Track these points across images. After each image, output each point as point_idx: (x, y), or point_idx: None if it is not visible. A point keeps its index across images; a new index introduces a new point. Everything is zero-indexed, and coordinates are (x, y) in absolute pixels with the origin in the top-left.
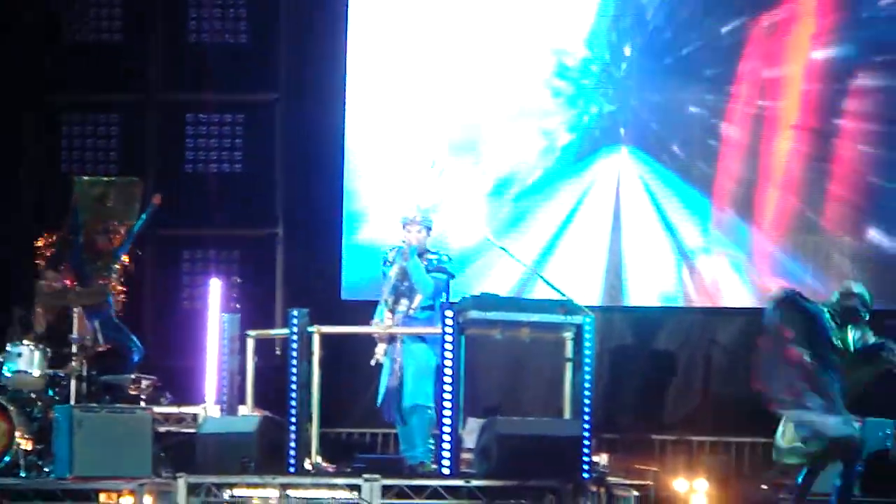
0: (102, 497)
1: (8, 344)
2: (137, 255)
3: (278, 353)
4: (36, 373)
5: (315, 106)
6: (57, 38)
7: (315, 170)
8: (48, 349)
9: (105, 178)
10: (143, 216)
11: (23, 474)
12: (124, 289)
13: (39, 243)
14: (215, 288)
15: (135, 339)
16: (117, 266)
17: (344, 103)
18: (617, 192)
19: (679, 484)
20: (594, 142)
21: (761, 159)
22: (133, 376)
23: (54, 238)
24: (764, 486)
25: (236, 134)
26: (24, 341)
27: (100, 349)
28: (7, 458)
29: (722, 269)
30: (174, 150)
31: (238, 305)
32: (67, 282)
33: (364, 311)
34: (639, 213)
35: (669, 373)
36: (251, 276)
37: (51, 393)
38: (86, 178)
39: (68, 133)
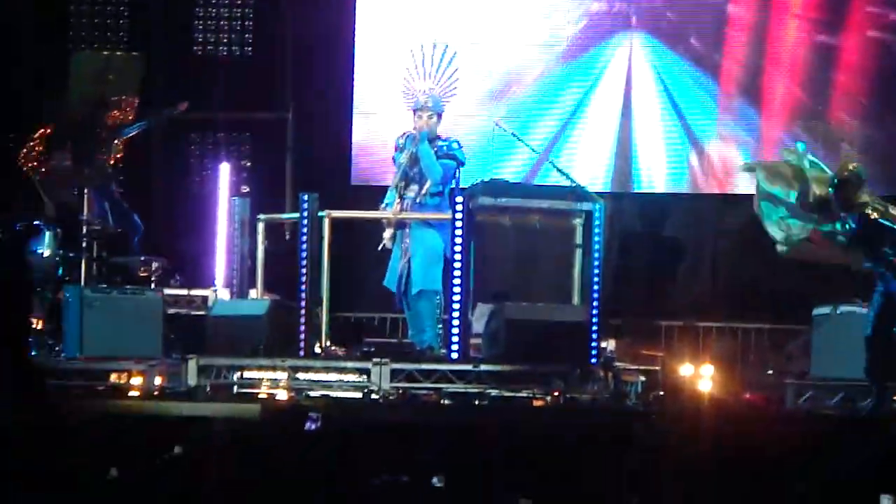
0: (113, 377)
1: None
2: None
3: (287, 237)
4: (46, 253)
5: None
6: None
7: (325, 54)
8: (59, 229)
9: (105, 53)
10: (164, 114)
11: (34, 353)
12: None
13: (34, 139)
14: (224, 171)
15: (136, 218)
16: (118, 143)
17: None
18: (628, 79)
19: (685, 369)
20: (605, 30)
21: (768, 45)
22: (142, 258)
23: (48, 130)
24: (769, 371)
25: (246, 16)
26: (36, 221)
27: (110, 231)
28: None
29: (731, 154)
30: (183, 31)
31: (247, 189)
32: (68, 162)
33: (373, 196)
34: (649, 100)
35: (677, 259)
36: (260, 159)
37: (61, 273)
38: (84, 52)
39: (77, 11)
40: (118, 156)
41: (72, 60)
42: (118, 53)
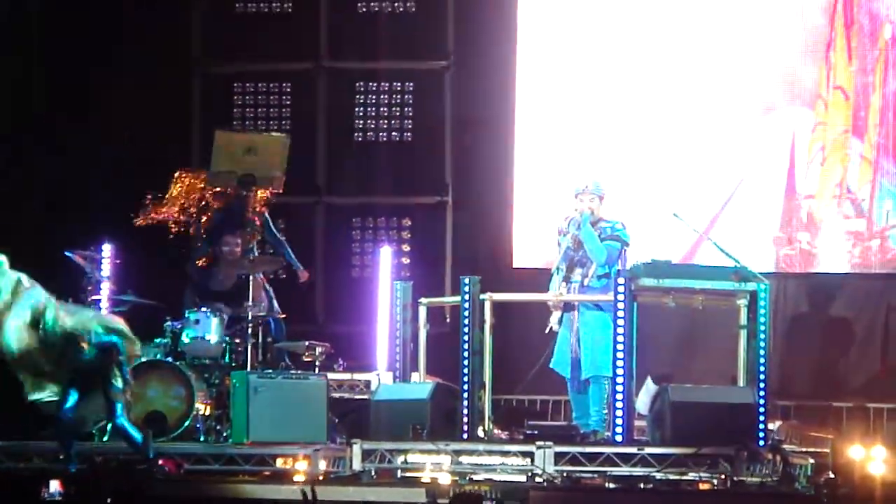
0: (279, 462)
1: (185, 310)
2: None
3: (447, 320)
4: (213, 339)
5: (484, 73)
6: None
7: (485, 137)
8: (224, 315)
9: (248, 133)
10: (294, 260)
11: (202, 439)
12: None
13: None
14: (386, 255)
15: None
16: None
17: (514, 70)
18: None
19: (856, 451)
20: (770, 100)
21: None
22: (307, 343)
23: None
24: None
25: (406, 102)
26: (202, 308)
27: (277, 316)
28: (186, 424)
29: None
30: (344, 118)
31: (408, 273)
32: (239, 249)
33: (535, 278)
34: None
35: (845, 339)
36: (421, 243)
37: (227, 359)
38: (226, 132)
39: (241, 102)
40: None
41: (215, 137)
42: (261, 133)
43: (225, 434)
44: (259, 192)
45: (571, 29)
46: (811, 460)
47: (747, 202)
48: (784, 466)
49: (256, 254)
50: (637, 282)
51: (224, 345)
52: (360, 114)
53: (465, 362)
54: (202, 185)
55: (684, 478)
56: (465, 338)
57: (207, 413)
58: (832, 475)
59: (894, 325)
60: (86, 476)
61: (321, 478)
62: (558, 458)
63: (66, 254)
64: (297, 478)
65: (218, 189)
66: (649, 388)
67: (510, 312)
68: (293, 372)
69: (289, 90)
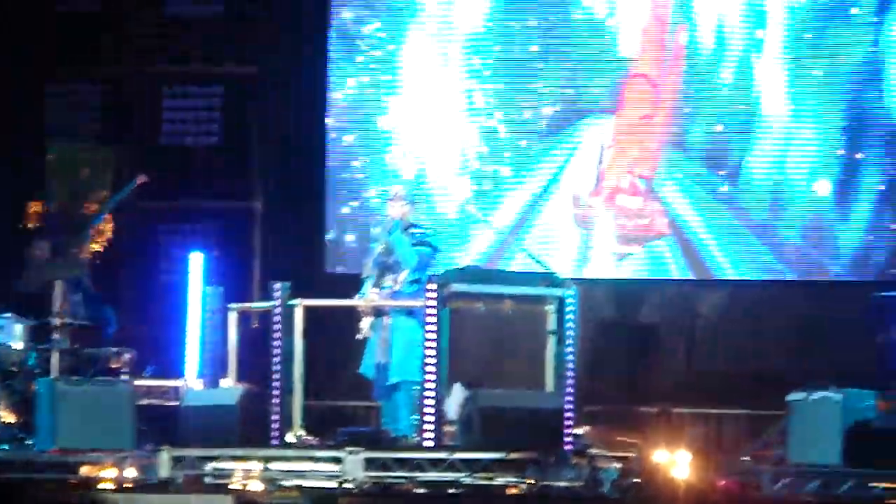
0: (85, 469)
1: None
2: (116, 225)
3: (255, 325)
4: (17, 345)
5: (295, 78)
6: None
7: (296, 142)
8: (29, 321)
9: (79, 147)
10: (125, 190)
11: (4, 447)
12: (100, 248)
13: (32, 209)
14: (195, 261)
15: (107, 309)
16: (92, 233)
17: (326, 75)
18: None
19: (661, 456)
20: (578, 111)
21: None
22: (114, 350)
23: (41, 207)
24: (745, 458)
25: (214, 106)
26: (6, 313)
27: (81, 323)
28: None
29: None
30: (152, 122)
31: (218, 279)
32: (44, 253)
33: (348, 284)
34: None
35: (652, 345)
36: (231, 249)
37: (32, 365)
38: (61, 146)
39: (51, 104)
40: (91, 247)
41: (48, 152)
42: (91, 147)
43: (29, 442)
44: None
45: (382, 33)
46: (617, 465)
47: (556, 206)
48: (591, 471)
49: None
50: (448, 287)
51: (29, 351)
52: (169, 118)
53: (276, 368)
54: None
55: (493, 483)
56: (276, 343)
57: (12, 420)
58: (637, 480)
59: (700, 331)
60: None
61: (129, 485)
62: (368, 463)
63: None
64: (104, 486)
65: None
66: (458, 393)
67: (322, 318)
68: (100, 378)
69: (98, 94)
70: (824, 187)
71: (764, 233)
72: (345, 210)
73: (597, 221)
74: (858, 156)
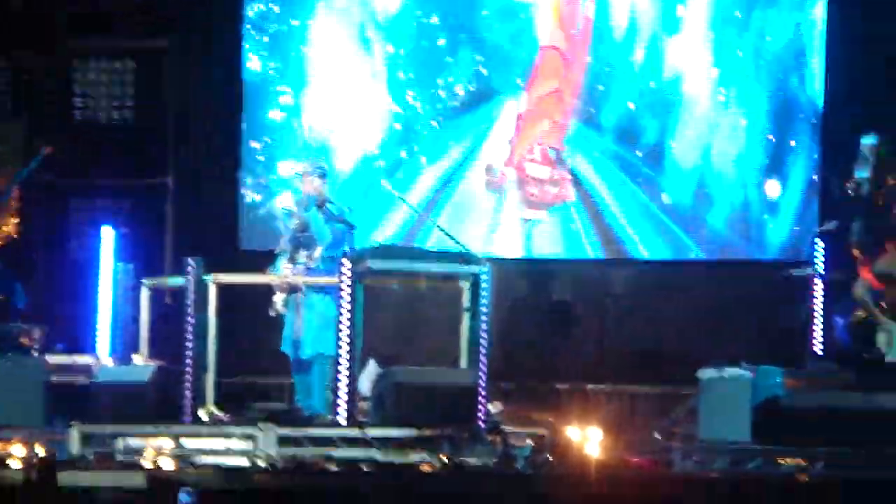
0: None
1: None
2: (24, 199)
3: (168, 301)
4: None
5: (206, 52)
6: None
7: (208, 118)
8: None
9: None
10: (32, 164)
11: None
12: (9, 228)
13: None
14: (107, 236)
15: (19, 286)
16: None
17: (239, 50)
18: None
19: (573, 432)
20: (492, 88)
21: None
22: (25, 326)
23: None
24: (656, 435)
25: (126, 81)
26: None
27: None
28: None
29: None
30: (63, 97)
31: (130, 255)
32: None
33: (262, 260)
34: None
35: (565, 323)
36: (142, 225)
37: None
38: None
39: None
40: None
41: None
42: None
43: None
44: None
45: (295, 7)
46: (530, 441)
47: (472, 180)
48: (504, 447)
49: None
50: (363, 264)
51: None
52: (80, 93)
53: (189, 344)
54: None
55: (407, 459)
56: (189, 319)
57: None
58: (550, 456)
59: (611, 309)
60: None
61: (38, 462)
62: (281, 440)
63: None
64: (12, 463)
65: None
66: (372, 369)
67: (237, 294)
68: (9, 354)
69: (8, 70)
70: (752, 175)
71: (682, 216)
72: (258, 186)
73: (507, 189)
74: (791, 143)
